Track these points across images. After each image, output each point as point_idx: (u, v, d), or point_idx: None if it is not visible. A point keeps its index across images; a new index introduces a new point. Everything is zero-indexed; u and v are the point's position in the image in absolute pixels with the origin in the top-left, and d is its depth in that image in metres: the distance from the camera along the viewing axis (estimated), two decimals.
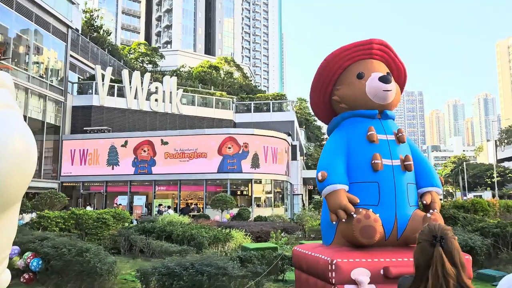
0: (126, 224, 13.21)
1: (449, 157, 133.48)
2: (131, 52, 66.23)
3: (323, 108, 6.60)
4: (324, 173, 5.54)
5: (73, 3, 29.78)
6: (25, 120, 14.09)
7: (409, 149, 5.98)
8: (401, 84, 6.60)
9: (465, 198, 36.62)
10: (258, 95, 38.41)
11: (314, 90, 6.45)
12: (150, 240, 10.21)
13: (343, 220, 5.33)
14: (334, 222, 5.49)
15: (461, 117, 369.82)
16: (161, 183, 27.83)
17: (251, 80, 71.13)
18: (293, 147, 33.88)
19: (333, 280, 4.90)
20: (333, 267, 4.94)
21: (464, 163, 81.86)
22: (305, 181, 46.49)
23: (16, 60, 24.99)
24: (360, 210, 5.24)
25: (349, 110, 6.11)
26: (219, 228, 13.17)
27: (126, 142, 27.50)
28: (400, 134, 5.84)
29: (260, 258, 7.72)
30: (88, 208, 24.07)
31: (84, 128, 28.95)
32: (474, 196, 37.10)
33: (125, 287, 7.33)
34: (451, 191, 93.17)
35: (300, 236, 15.94)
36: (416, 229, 5.44)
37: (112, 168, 27.55)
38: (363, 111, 5.95)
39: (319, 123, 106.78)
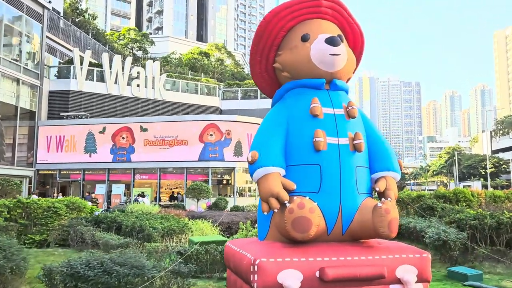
0: (83, 214, 12.22)
1: (445, 147, 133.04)
2: (121, 38, 64.74)
3: (267, 79, 5.58)
4: (255, 154, 4.54)
5: None
6: None
7: (362, 126, 4.99)
8: (358, 50, 5.57)
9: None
10: (245, 81, 37.36)
11: (253, 57, 5.41)
12: (95, 232, 9.25)
13: (275, 210, 4.37)
14: (265, 213, 4.52)
15: (458, 108, 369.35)
16: (141, 171, 26.82)
17: (243, 68, 69.74)
18: None
19: (255, 284, 3.94)
20: (255, 269, 3.98)
21: (457, 153, 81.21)
22: None
23: None
24: (295, 198, 4.28)
25: (292, 79, 5.10)
26: (183, 219, 12.24)
27: (104, 129, 26.42)
28: (350, 108, 4.81)
29: (203, 254, 6.76)
30: (59, 197, 23.14)
31: (61, 114, 27.82)
32: (463, 186, 36.32)
33: None
34: (445, 182, 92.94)
35: None
36: (365, 222, 4.50)
37: (90, 156, 26.50)
38: (308, 81, 4.94)
39: None
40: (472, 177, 77.48)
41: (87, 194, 24.48)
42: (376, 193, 4.89)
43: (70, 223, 10.53)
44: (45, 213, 11.19)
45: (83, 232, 9.52)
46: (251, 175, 4.62)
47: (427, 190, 51.91)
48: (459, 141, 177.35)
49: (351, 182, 4.58)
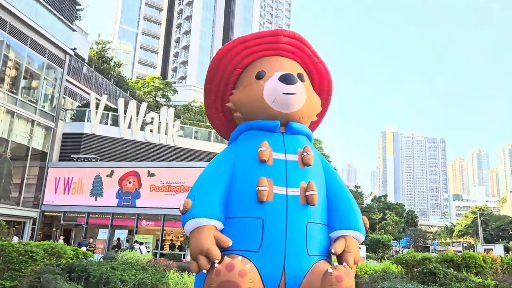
0: (63, 260, 11.57)
1: (471, 207, 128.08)
2: (145, 85, 66.87)
3: (223, 121, 5.03)
4: (187, 202, 3.90)
5: (73, 30, 29.66)
6: (7, 143, 14.07)
7: (321, 176, 4.31)
8: (325, 91, 5.00)
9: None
10: None
11: (207, 96, 4.89)
12: (59, 282, 8.56)
13: (204, 271, 3.67)
14: (194, 273, 3.81)
15: (486, 167, 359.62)
16: (145, 217, 26.22)
17: None
18: None
19: None
20: None
21: (484, 213, 77.66)
22: None
23: (5, 83, 24.53)
24: (225, 258, 3.58)
25: (245, 120, 4.54)
26: (168, 271, 11.42)
27: (112, 172, 26.27)
28: (305, 154, 4.17)
29: None
30: (60, 241, 22.60)
31: (71, 156, 27.97)
32: (484, 249, 33.93)
33: None
34: (472, 243, 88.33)
35: None
36: None
37: (96, 199, 26.19)
38: (260, 122, 4.35)
39: (334, 164, 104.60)
40: (500, 240, 73.47)
41: (83, 239, 23.89)
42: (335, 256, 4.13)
43: (42, 270, 9.88)
44: (20, 257, 10.61)
45: (48, 281, 8.84)
46: (183, 227, 3.97)
47: (453, 251, 48.93)
48: (487, 201, 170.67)
49: (300, 241, 3.84)
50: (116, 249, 21.87)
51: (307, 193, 3.95)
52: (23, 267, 10.54)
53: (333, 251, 3.94)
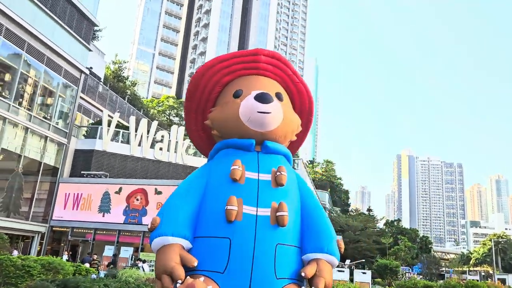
0: (60, 276, 11.58)
1: (489, 234, 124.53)
2: (160, 104, 67.86)
3: (204, 138, 5.03)
4: (155, 220, 3.89)
5: (89, 50, 30.46)
6: (20, 158, 16.02)
7: (295, 196, 4.25)
8: (306, 111, 4.97)
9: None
10: None
11: (188, 114, 4.93)
12: None
13: None
14: None
15: (505, 193, 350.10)
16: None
17: None
18: None
19: None
20: None
21: (502, 241, 75.30)
22: None
23: (21, 99, 25.20)
24: (187, 278, 3.53)
25: (222, 138, 4.55)
26: None
27: (120, 189, 26.46)
28: (278, 173, 4.13)
29: None
30: (64, 257, 22.68)
31: (82, 172, 28.31)
32: (498, 279, 32.77)
33: None
34: (491, 272, 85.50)
35: None
36: None
37: (103, 215, 26.34)
38: (236, 141, 4.33)
39: (346, 187, 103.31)
40: None
41: (87, 255, 23.91)
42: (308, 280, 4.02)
43: (35, 285, 9.90)
44: (17, 271, 10.68)
45: None
46: (150, 245, 3.94)
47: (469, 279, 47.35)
48: (506, 228, 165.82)
49: (268, 263, 3.76)
50: (112, 265, 21.85)
51: (278, 214, 3.88)
52: (19, 282, 10.59)
53: (303, 274, 3.84)
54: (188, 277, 3.52)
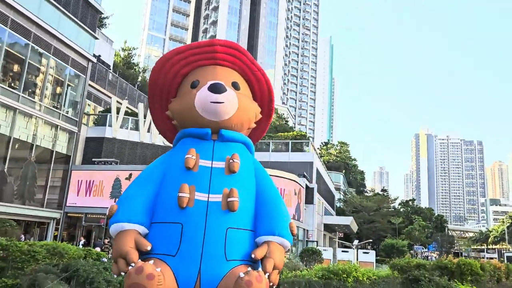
0: (65, 260, 12.07)
1: (509, 212, 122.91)
2: None
3: (171, 129, 5.24)
4: (113, 207, 4.12)
5: (95, 38, 30.76)
6: (32, 148, 16.56)
7: (250, 182, 4.40)
8: (266, 99, 5.08)
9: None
10: (278, 134, 37.19)
11: (153, 105, 5.08)
12: (48, 281, 8.99)
13: (122, 273, 3.85)
14: (115, 276, 4.00)
15: None
16: None
17: (287, 121, 70.27)
18: (310, 190, 31.86)
19: None
20: None
21: None
22: (331, 227, 43.68)
23: (30, 90, 25.76)
24: (138, 261, 3.75)
25: (182, 128, 4.73)
26: None
27: (130, 175, 27.02)
28: (231, 161, 4.28)
29: None
30: (81, 242, 23.48)
31: (93, 159, 28.97)
32: (507, 256, 32.48)
33: None
34: (511, 249, 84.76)
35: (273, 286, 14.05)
36: None
37: (115, 201, 26.71)
38: (192, 130, 4.49)
39: (361, 167, 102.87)
40: None
41: (98, 240, 24.67)
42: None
43: (40, 269, 10.37)
44: (23, 256, 11.16)
45: (41, 280, 9.30)
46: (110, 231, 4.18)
47: (486, 258, 47.22)
48: None
49: (218, 246, 3.94)
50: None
51: (229, 200, 4.05)
52: (25, 266, 11.08)
53: (253, 256, 4.02)
54: (139, 260, 3.75)
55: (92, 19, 30.40)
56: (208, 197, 4.04)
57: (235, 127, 4.56)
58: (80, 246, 17.26)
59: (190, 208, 3.98)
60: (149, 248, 3.90)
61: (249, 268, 3.80)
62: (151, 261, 3.74)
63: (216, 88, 4.33)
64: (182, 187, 4.01)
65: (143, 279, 3.53)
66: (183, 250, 3.89)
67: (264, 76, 5.00)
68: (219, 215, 4.00)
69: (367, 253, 19.39)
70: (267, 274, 3.85)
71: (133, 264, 3.71)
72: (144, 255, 3.91)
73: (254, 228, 4.24)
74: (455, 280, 9.82)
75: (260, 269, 3.84)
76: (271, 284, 3.94)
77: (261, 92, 5.01)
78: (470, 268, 10.42)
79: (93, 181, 27.78)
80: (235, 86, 4.60)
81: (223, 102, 4.34)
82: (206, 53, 4.77)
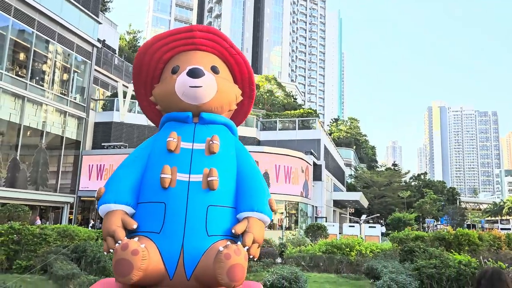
0: (75, 242, 12.57)
1: None
2: None
3: (157, 113, 5.45)
4: (101, 189, 4.42)
5: (99, 23, 30.84)
6: (42, 135, 17.48)
7: (231, 162, 4.62)
8: (246, 81, 5.25)
9: None
10: (285, 112, 37.16)
11: (138, 90, 5.32)
12: (57, 261, 9.43)
13: (111, 251, 4.14)
14: (105, 253, 4.29)
15: None
16: None
17: (295, 99, 69.94)
18: (318, 167, 32.05)
19: None
20: None
21: None
22: (341, 203, 44.00)
23: (37, 77, 26.13)
24: (124, 238, 4.02)
25: (165, 112, 4.95)
26: None
27: None
28: (211, 142, 4.51)
29: None
30: (90, 224, 24.15)
31: (102, 144, 29.48)
32: (501, 229, 32.43)
33: None
34: None
35: (278, 262, 14.47)
36: (208, 267, 4.08)
37: None
38: (174, 114, 4.74)
39: (373, 143, 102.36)
40: None
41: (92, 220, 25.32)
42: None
43: (51, 250, 10.87)
44: (35, 239, 11.68)
45: (52, 261, 9.77)
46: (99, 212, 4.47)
47: (500, 229, 47.20)
48: None
49: (199, 222, 4.20)
50: None
51: (208, 179, 4.29)
52: (37, 248, 11.62)
53: (233, 231, 4.27)
54: (125, 238, 4.02)
55: (95, 4, 30.42)
56: (189, 177, 4.29)
57: (215, 109, 4.77)
58: (89, 228, 17.80)
59: (173, 188, 4.24)
60: (135, 226, 4.18)
61: (228, 242, 4.05)
62: (136, 238, 4.01)
63: (194, 73, 4.53)
64: (164, 168, 4.26)
65: (128, 254, 3.80)
66: (167, 227, 4.16)
67: (244, 59, 5.16)
68: (200, 194, 4.25)
69: (374, 227, 19.66)
70: (247, 247, 4.11)
71: (119, 242, 3.99)
72: (131, 233, 4.21)
73: (235, 205, 4.49)
74: (452, 250, 10.01)
75: (239, 243, 4.08)
76: (251, 256, 4.20)
77: (241, 74, 5.18)
78: (468, 238, 10.60)
79: (104, 165, 28.34)
80: (214, 70, 4.78)
81: (201, 86, 4.54)
82: (186, 38, 4.95)
